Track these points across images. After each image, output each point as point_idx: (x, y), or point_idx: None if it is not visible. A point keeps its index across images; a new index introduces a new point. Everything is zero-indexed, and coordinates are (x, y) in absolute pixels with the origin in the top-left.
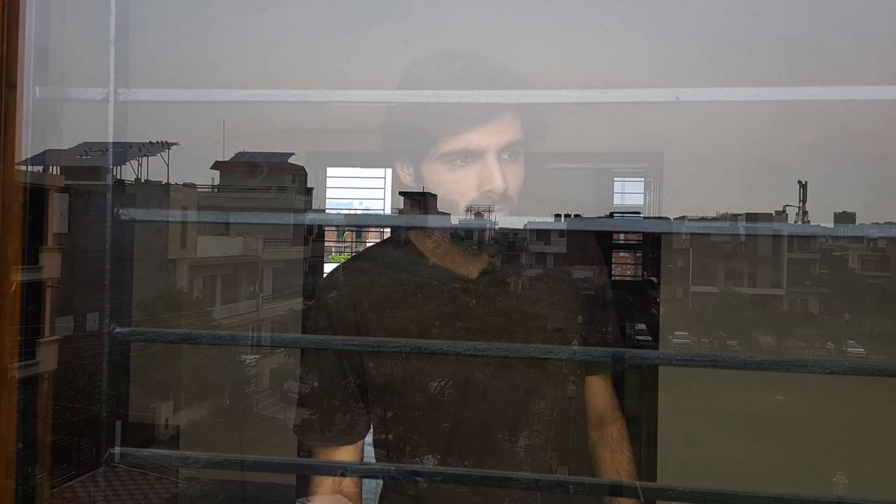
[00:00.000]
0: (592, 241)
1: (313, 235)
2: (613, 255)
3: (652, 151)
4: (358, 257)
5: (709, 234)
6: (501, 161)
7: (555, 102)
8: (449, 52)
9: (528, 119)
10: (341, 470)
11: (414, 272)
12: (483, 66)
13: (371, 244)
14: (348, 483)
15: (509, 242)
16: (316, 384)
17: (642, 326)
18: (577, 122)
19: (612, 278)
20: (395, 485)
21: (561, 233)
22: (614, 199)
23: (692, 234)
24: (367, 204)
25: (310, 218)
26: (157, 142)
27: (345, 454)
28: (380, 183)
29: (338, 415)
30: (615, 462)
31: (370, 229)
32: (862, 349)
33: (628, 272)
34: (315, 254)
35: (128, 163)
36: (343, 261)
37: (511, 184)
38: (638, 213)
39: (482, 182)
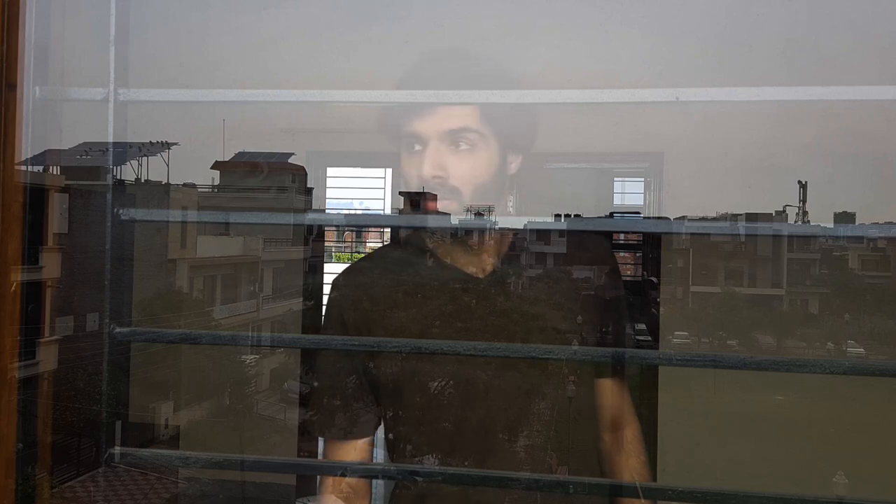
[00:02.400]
0: (599, 240)
1: (313, 235)
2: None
3: (652, 151)
4: (368, 257)
5: (709, 234)
6: (445, 149)
7: (555, 102)
8: (448, 51)
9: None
10: (341, 470)
11: (425, 273)
12: (483, 66)
13: (382, 245)
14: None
15: (512, 243)
16: (326, 378)
17: (642, 326)
18: (577, 122)
19: None
20: (403, 484)
21: (561, 233)
22: (614, 199)
23: (692, 234)
24: (367, 204)
25: (310, 218)
26: (157, 142)
27: (359, 447)
28: (380, 183)
29: (349, 408)
30: (630, 466)
31: (370, 229)
32: (862, 349)
33: (628, 272)
34: (315, 254)
35: (128, 163)
36: (355, 260)
37: (454, 174)
38: (638, 213)
39: (421, 167)
